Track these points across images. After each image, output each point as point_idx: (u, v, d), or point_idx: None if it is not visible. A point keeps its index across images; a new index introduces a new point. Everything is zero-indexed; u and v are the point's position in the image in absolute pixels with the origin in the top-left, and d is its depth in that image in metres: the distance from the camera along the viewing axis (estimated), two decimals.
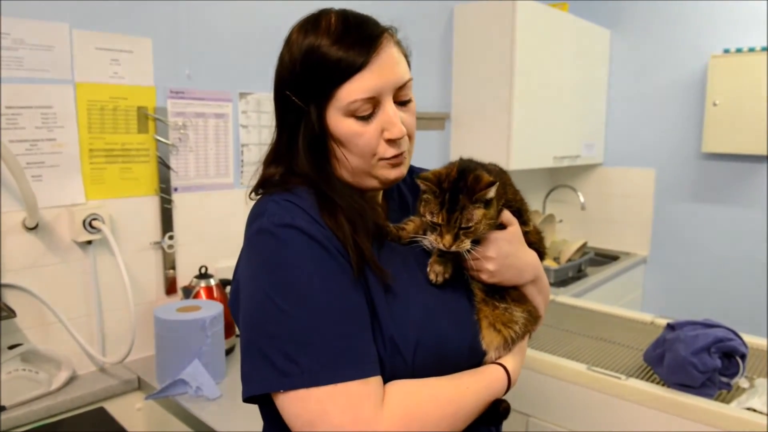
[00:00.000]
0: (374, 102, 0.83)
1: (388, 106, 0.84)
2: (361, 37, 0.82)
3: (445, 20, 2.80)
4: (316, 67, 0.81)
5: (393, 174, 0.88)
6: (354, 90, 0.81)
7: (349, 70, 0.81)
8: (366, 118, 0.83)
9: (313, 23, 0.84)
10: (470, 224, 0.82)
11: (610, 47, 3.41)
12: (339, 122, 0.83)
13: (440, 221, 0.83)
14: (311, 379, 0.72)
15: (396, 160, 0.87)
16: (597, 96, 3.39)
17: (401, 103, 0.87)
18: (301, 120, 0.85)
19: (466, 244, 0.83)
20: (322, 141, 0.85)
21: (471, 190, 0.82)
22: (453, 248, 0.83)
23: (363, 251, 0.80)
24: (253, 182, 0.91)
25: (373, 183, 0.89)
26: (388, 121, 0.83)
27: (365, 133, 0.83)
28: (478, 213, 0.83)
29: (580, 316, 2.21)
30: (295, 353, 0.73)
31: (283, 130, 0.89)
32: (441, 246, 0.83)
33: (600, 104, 3.43)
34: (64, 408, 1.54)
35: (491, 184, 0.82)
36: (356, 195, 0.87)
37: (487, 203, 0.84)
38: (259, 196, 0.88)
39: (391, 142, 0.85)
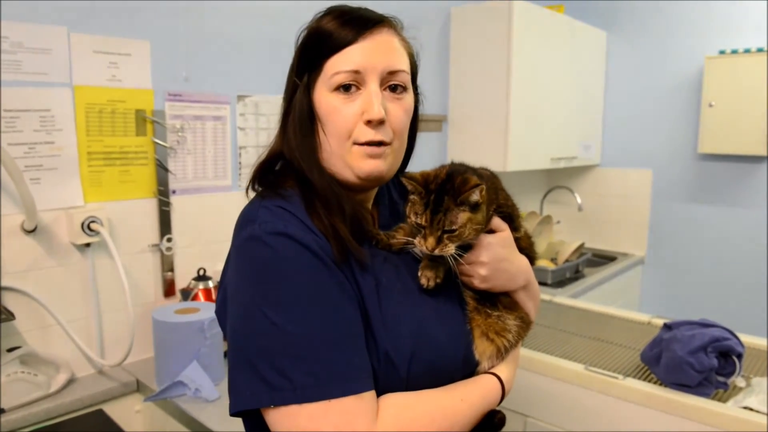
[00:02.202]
0: (358, 79, 0.82)
1: (372, 86, 0.82)
2: (359, 18, 0.83)
3: (442, 22, 2.81)
4: (312, 41, 0.84)
5: (367, 166, 0.83)
6: (339, 62, 0.82)
7: (338, 43, 0.82)
8: (348, 92, 0.82)
9: (323, 12, 0.87)
10: (454, 227, 0.80)
11: (607, 49, 3.43)
12: (323, 97, 0.83)
13: (423, 223, 0.80)
14: (303, 394, 0.69)
15: (371, 150, 0.83)
16: (593, 97, 3.40)
17: (392, 90, 0.85)
18: (295, 97, 0.86)
19: (450, 248, 0.80)
20: (310, 119, 0.85)
21: (457, 192, 0.80)
22: (436, 252, 0.80)
23: (340, 233, 0.79)
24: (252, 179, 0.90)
25: (348, 174, 0.85)
26: (367, 101, 0.81)
27: (343, 111, 0.82)
28: (462, 216, 0.80)
29: (578, 317, 2.21)
30: (287, 368, 0.70)
31: (283, 113, 0.89)
32: (424, 249, 0.80)
33: (597, 105, 3.44)
34: (63, 410, 1.54)
35: (476, 186, 0.80)
36: (335, 183, 0.85)
37: (474, 207, 0.82)
38: (253, 195, 0.86)
39: (369, 124, 0.82)
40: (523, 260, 0.95)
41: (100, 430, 1.52)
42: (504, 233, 0.90)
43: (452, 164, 0.88)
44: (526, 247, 0.98)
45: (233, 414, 0.75)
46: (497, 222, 0.90)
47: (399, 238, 0.87)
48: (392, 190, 1.00)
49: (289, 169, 0.87)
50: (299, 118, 0.85)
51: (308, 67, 0.85)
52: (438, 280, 0.84)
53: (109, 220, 1.69)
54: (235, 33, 1.95)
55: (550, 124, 3.00)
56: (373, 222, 0.93)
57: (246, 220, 0.80)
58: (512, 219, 0.95)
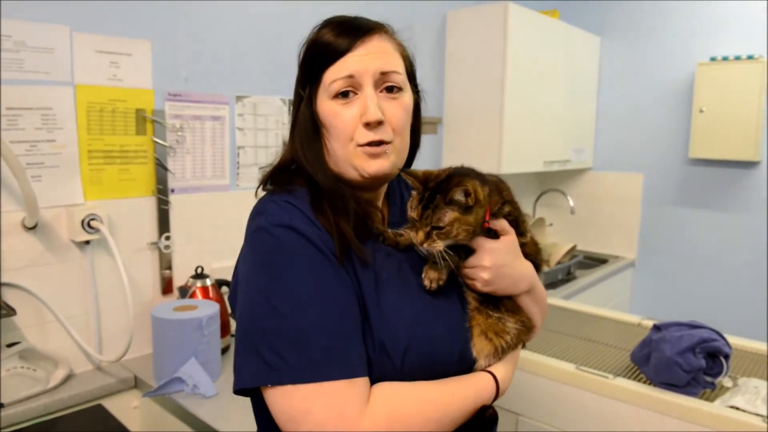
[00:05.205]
0: (354, 84, 0.86)
1: (367, 90, 0.86)
2: (353, 27, 0.88)
3: (438, 26, 2.84)
4: (311, 53, 0.89)
5: (372, 166, 0.87)
6: (335, 71, 0.86)
7: (335, 54, 0.86)
8: (346, 98, 0.86)
9: (321, 24, 0.91)
10: (441, 225, 0.82)
11: (600, 54, 3.47)
12: (324, 105, 0.88)
13: (416, 216, 0.85)
14: (298, 375, 0.74)
15: (372, 149, 0.87)
16: (586, 102, 3.44)
17: (389, 91, 0.88)
18: (300, 108, 0.92)
19: (439, 245, 0.83)
20: (314, 127, 0.90)
21: (448, 191, 0.83)
22: (425, 246, 0.83)
23: (344, 232, 0.83)
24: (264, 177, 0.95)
25: (353, 174, 0.89)
26: (364, 104, 0.86)
27: (343, 115, 0.86)
28: (450, 215, 0.83)
29: (569, 318, 2.25)
30: (284, 350, 0.75)
31: (291, 124, 0.94)
32: (415, 241, 0.85)
33: (589, 110, 3.49)
34: (61, 405, 1.55)
35: (461, 186, 0.83)
36: (341, 183, 0.90)
37: (466, 209, 0.84)
38: (264, 193, 0.92)
39: (368, 126, 0.86)
40: (527, 266, 0.96)
41: (99, 425, 1.54)
42: (509, 237, 0.92)
43: (460, 167, 0.91)
44: (531, 253, 0.99)
45: (236, 392, 0.80)
46: (503, 225, 0.92)
47: (406, 235, 0.90)
48: (404, 190, 1.04)
49: (300, 171, 0.91)
50: (304, 127, 0.91)
51: (309, 79, 0.90)
52: (441, 282, 0.87)
53: (109, 218, 1.71)
54: (234, 34, 1.97)
55: (544, 127, 3.03)
56: (382, 219, 0.96)
57: (256, 213, 0.86)
58: (518, 224, 0.96)
